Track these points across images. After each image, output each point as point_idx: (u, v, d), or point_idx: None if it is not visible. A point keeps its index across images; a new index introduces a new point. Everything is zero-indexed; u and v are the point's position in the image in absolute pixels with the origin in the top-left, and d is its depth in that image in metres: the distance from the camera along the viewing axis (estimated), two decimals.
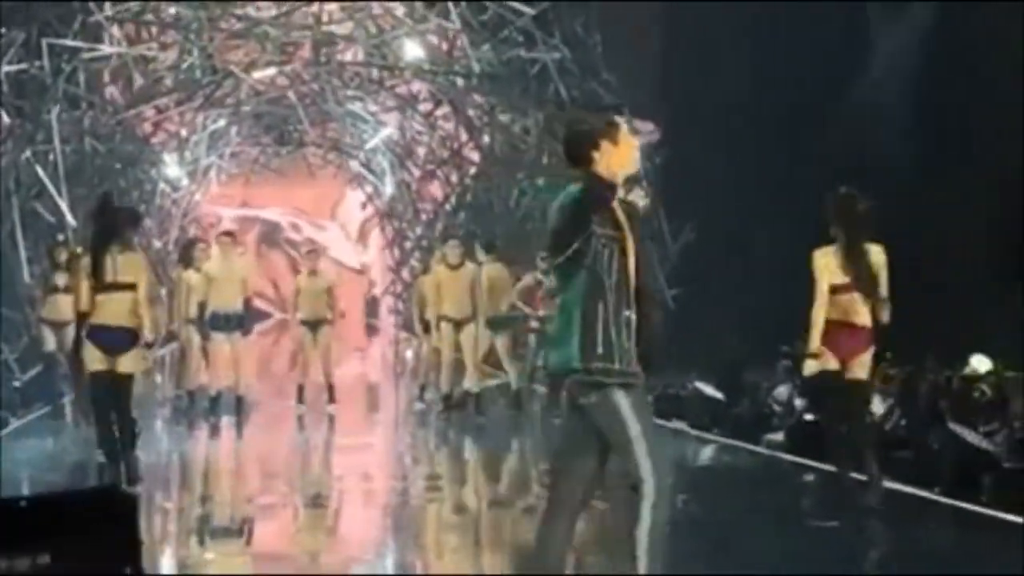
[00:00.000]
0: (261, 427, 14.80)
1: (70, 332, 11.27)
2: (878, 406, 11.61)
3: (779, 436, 12.38)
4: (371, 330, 32.49)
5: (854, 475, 8.94)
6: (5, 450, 11.79)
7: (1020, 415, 10.43)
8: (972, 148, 16.78)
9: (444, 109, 22.28)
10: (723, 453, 12.58)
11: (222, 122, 23.39)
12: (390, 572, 7.77)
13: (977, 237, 16.72)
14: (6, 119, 18.04)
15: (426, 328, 15.59)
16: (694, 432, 13.28)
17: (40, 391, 15.34)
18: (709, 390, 14.38)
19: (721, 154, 18.32)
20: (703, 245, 18.47)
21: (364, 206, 28.68)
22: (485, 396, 15.21)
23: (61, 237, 16.89)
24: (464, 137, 22.04)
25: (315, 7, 21.03)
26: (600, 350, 5.12)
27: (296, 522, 9.38)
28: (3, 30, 18.00)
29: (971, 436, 9.92)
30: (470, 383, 14.98)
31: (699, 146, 16.76)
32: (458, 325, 14.88)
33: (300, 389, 15.53)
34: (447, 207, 22.49)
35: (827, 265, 8.90)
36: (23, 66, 18.37)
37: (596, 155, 5.20)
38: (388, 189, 25.16)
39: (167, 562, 7.68)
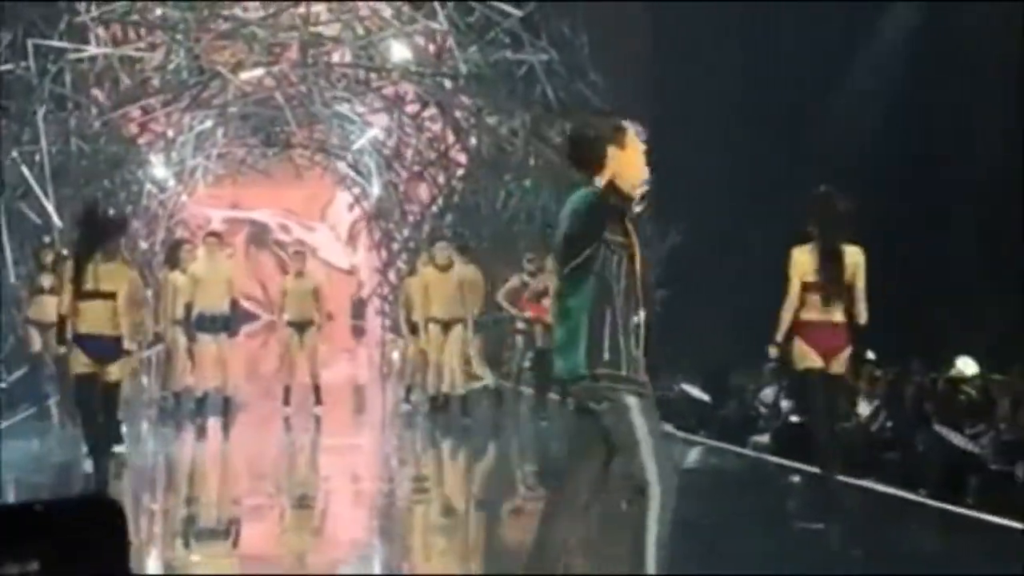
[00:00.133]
0: (248, 428, 14.78)
1: None
2: (864, 408, 11.66)
3: (765, 438, 12.42)
4: (358, 331, 32.44)
5: (841, 477, 8.97)
6: None
7: (1006, 417, 10.48)
8: (964, 150, 16.83)
9: (431, 111, 22.28)
10: (709, 455, 12.59)
11: (209, 123, 23.32)
12: (376, 573, 7.78)
13: (965, 240, 16.78)
14: None
15: (412, 329, 15.56)
16: (680, 434, 13.27)
17: (26, 392, 15.31)
18: (695, 392, 14.41)
19: (709, 154, 18.32)
20: (690, 246, 18.46)
21: (352, 207, 28.65)
22: (471, 398, 15.20)
23: (47, 239, 16.86)
24: (451, 139, 22.05)
25: (302, 8, 21.00)
26: (607, 356, 5.08)
27: (283, 523, 9.37)
28: None
29: (957, 438, 9.97)
30: (456, 385, 14.96)
31: (687, 147, 16.73)
32: (446, 326, 14.88)
33: (287, 390, 15.52)
34: (434, 208, 22.48)
35: (802, 263, 8.93)
36: (9, 67, 18.30)
37: (603, 160, 5.15)
38: (375, 190, 25.12)
39: (153, 564, 7.66)
